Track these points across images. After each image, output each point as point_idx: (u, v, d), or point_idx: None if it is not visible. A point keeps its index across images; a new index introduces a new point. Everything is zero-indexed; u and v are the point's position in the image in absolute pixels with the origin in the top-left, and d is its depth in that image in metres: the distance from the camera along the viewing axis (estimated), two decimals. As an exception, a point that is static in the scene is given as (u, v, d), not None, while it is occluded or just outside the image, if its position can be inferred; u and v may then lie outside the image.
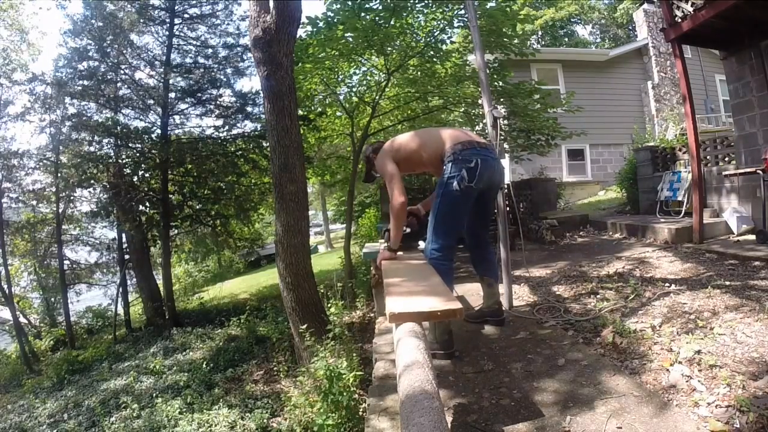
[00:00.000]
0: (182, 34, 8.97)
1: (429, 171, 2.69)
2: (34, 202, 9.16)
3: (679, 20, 4.55)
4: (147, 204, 8.55)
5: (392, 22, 5.72)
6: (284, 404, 3.47)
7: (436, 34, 6.43)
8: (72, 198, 8.97)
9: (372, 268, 3.47)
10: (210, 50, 9.12)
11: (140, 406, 4.10)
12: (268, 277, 11.65)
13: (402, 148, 2.51)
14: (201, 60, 9.06)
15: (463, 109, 7.59)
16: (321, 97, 7.65)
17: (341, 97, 7.65)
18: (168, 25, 8.54)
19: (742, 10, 4.04)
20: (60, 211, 8.74)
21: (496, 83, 6.57)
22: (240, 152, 8.60)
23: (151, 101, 8.51)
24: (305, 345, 3.11)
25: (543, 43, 22.72)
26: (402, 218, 2.40)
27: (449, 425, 1.53)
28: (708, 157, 5.78)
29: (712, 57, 10.77)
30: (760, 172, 4.33)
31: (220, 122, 8.98)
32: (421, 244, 2.84)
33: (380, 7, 5.68)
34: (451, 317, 1.54)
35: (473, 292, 3.64)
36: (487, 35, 5.73)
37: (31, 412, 4.87)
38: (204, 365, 5.00)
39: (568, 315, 2.86)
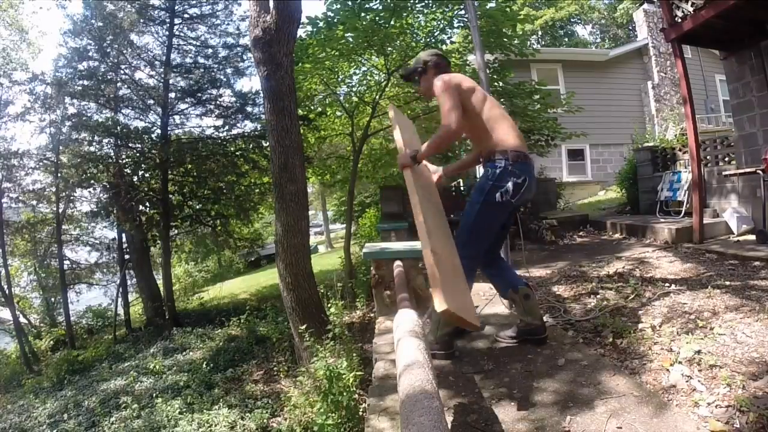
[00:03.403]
0: (182, 34, 8.98)
1: (467, 138, 2.52)
2: (34, 202, 9.16)
3: (679, 20, 4.56)
4: (147, 204, 8.55)
5: (392, 23, 5.73)
6: (284, 404, 3.47)
7: (436, 34, 6.43)
8: (72, 198, 8.98)
9: (372, 268, 3.47)
10: (210, 50, 9.14)
11: (140, 406, 4.10)
12: (268, 277, 11.64)
13: (473, 97, 2.19)
14: (201, 60, 9.08)
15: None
16: (321, 97, 7.65)
17: (341, 97, 7.66)
18: (168, 25, 8.54)
19: (742, 10, 4.04)
20: (60, 211, 8.74)
21: (496, 83, 6.57)
22: (240, 152, 8.60)
23: (151, 101, 8.52)
24: (305, 345, 3.11)
25: (543, 43, 22.72)
26: (447, 143, 2.28)
27: (449, 425, 1.53)
28: (708, 158, 5.78)
29: (712, 57, 10.77)
30: (760, 172, 4.33)
31: (220, 122, 9.00)
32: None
33: (380, 7, 5.68)
34: (468, 329, 1.58)
35: (473, 293, 3.63)
36: (487, 35, 5.73)
37: (31, 412, 4.86)
38: (204, 365, 5.00)
39: (568, 315, 2.86)
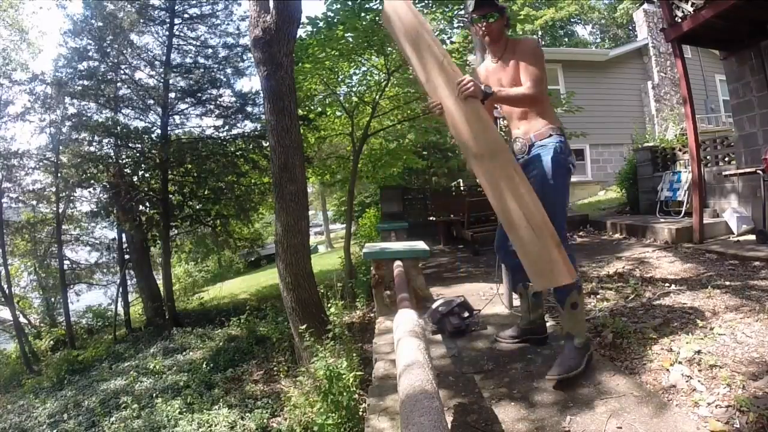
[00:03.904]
0: (182, 34, 8.98)
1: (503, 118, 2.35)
2: (34, 202, 9.16)
3: (679, 20, 4.56)
4: (147, 204, 8.55)
5: (392, 22, 5.72)
6: (284, 404, 3.47)
7: (436, 34, 6.43)
8: (72, 198, 8.97)
9: (372, 268, 3.47)
10: (210, 50, 9.14)
11: (140, 406, 4.10)
12: (268, 277, 11.65)
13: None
14: (201, 60, 9.08)
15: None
16: (321, 97, 7.66)
17: (341, 97, 7.66)
18: (168, 25, 8.54)
19: (742, 10, 4.04)
20: (60, 211, 8.74)
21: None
22: (240, 152, 8.61)
23: (151, 101, 8.52)
24: (305, 345, 3.11)
25: (543, 43, 22.70)
26: (519, 105, 2.10)
27: (449, 425, 1.53)
28: (708, 158, 5.78)
29: (712, 57, 10.77)
30: (760, 172, 4.33)
31: (220, 122, 9.00)
32: None
33: (380, 7, 5.68)
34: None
35: (473, 292, 3.64)
36: (487, 35, 5.72)
37: (31, 412, 4.87)
38: (204, 365, 5.00)
39: (568, 315, 2.85)
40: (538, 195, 1.82)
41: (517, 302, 3.16)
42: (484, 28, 2.10)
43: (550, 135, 2.06)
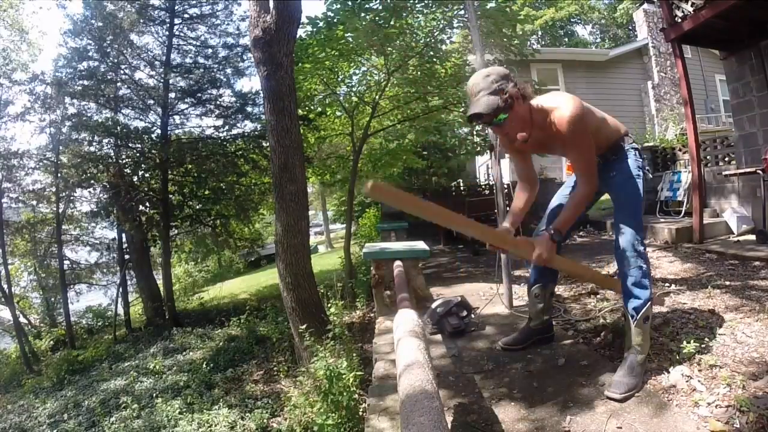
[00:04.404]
0: (182, 34, 8.99)
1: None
2: (34, 202, 9.16)
3: (679, 20, 4.55)
4: (147, 204, 8.56)
5: (392, 23, 5.73)
6: (284, 404, 3.47)
7: (436, 34, 6.43)
8: (72, 198, 8.98)
9: (372, 268, 3.47)
10: (210, 50, 9.16)
11: (140, 406, 4.10)
12: (268, 277, 11.64)
13: (593, 115, 1.90)
14: (201, 60, 9.10)
15: (463, 109, 7.59)
16: (321, 97, 7.65)
17: (341, 97, 7.66)
18: (168, 25, 8.56)
19: (742, 10, 4.04)
20: (60, 211, 8.74)
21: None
22: (240, 152, 8.61)
23: (151, 101, 8.53)
24: (305, 345, 3.11)
25: (543, 43, 22.72)
26: (585, 206, 1.94)
27: (449, 425, 1.53)
28: (708, 158, 5.78)
29: (712, 57, 10.76)
30: (760, 172, 4.33)
31: (220, 122, 9.01)
32: None
33: (380, 7, 5.69)
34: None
35: (473, 292, 3.64)
36: (487, 35, 5.72)
37: (31, 412, 4.87)
38: (204, 365, 5.00)
39: (568, 315, 2.86)
40: (618, 198, 1.97)
41: (516, 302, 3.17)
42: (497, 133, 1.85)
43: (621, 147, 2.00)
